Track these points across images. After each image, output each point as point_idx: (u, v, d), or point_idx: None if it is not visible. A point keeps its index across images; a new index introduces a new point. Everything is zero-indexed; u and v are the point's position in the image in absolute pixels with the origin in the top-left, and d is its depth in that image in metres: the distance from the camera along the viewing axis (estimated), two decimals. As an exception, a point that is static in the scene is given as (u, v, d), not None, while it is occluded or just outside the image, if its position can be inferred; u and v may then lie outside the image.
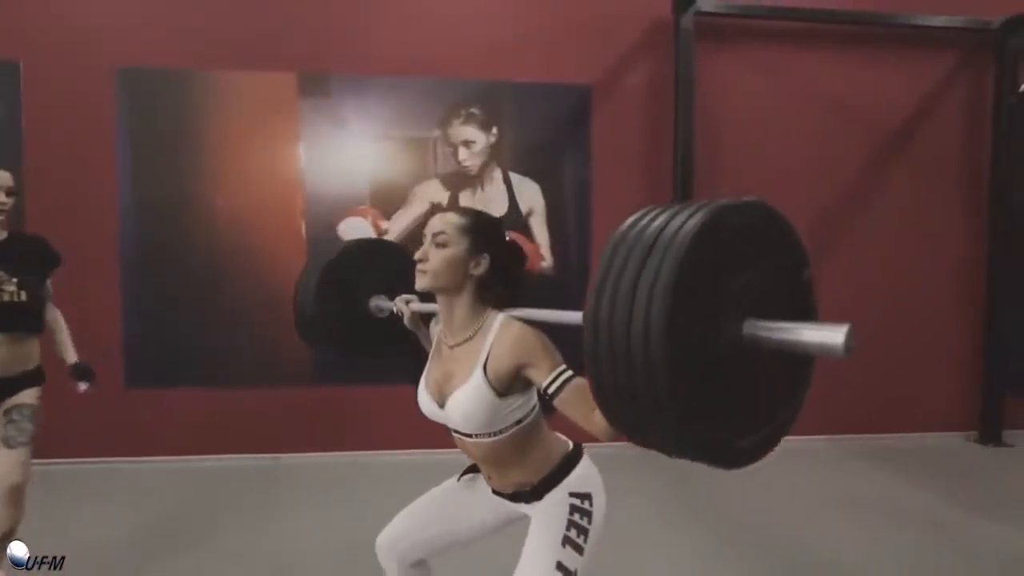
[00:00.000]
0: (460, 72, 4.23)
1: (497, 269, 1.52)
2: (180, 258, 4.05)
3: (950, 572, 2.71)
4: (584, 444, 1.64)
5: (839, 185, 4.58)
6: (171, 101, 4.00)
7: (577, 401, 1.30)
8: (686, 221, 0.91)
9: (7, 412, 2.31)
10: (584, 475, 1.57)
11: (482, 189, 4.29)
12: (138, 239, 4.02)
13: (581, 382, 1.31)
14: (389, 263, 2.10)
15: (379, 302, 2.01)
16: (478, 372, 1.44)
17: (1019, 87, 4.29)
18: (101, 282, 3.97)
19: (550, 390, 1.34)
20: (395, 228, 4.22)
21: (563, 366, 1.35)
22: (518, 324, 1.45)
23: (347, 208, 4.16)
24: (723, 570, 2.73)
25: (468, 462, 1.72)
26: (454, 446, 1.62)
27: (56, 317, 2.48)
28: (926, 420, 4.67)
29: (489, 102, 4.28)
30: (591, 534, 1.52)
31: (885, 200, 4.60)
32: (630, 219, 0.99)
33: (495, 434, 1.50)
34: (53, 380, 2.43)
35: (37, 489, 3.45)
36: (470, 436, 1.52)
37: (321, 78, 4.11)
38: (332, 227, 4.13)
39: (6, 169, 2.31)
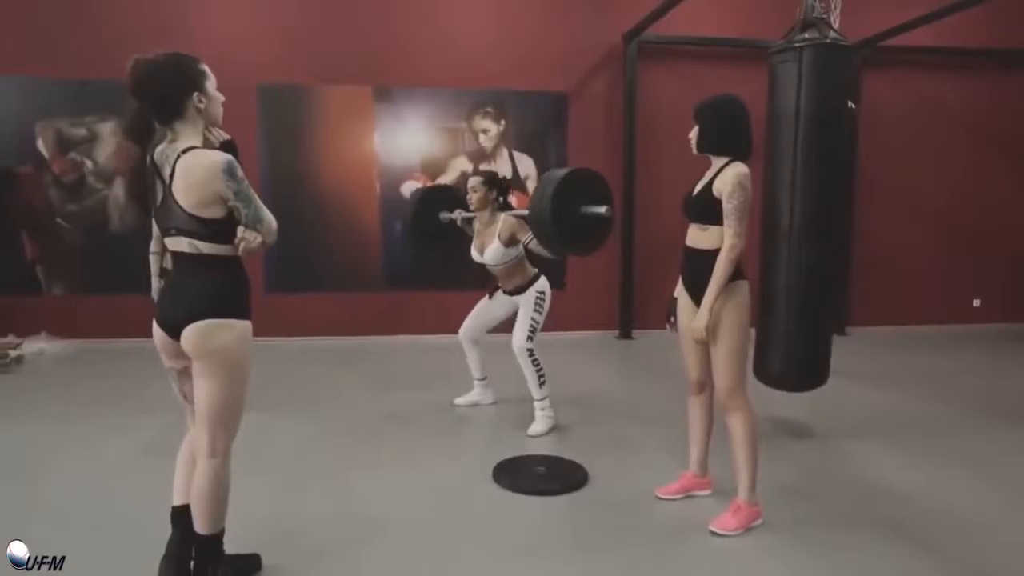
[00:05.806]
0: (479, 83, 6.31)
1: (500, 198, 3.71)
2: (298, 209, 6.18)
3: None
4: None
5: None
6: (292, 106, 6.12)
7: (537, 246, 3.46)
8: (562, 172, 3.05)
9: None
10: (542, 284, 3.76)
11: (494, 162, 6.40)
12: (272, 197, 6.12)
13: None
14: (448, 196, 4.26)
15: (445, 215, 4.14)
16: (495, 238, 3.62)
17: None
18: (248, 224, 6.12)
19: (526, 243, 3.51)
20: (436, 189, 6.35)
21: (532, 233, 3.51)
22: (511, 217, 3.62)
23: (406, 175, 6.29)
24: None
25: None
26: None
27: None
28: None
29: (499, 103, 6.37)
30: (544, 308, 3.71)
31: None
32: (546, 173, 3.13)
33: (505, 264, 3.68)
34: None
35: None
36: (496, 266, 3.70)
37: (387, 90, 6.20)
38: (396, 188, 6.26)
39: None
